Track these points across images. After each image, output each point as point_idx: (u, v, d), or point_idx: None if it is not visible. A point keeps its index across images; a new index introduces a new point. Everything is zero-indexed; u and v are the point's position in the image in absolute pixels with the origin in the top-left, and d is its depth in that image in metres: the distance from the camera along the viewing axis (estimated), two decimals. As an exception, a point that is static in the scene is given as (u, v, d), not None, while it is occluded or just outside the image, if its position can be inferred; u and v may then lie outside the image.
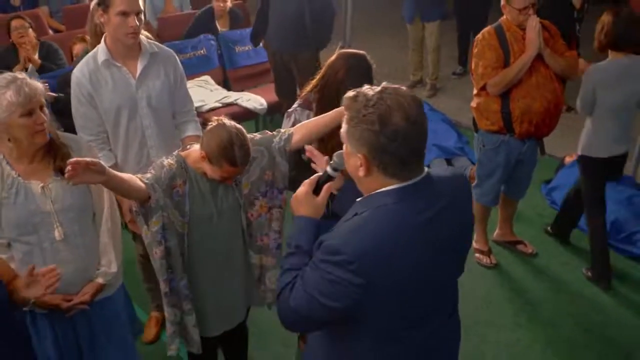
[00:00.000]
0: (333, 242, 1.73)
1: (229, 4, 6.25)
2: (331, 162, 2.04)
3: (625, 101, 3.88)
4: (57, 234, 2.49)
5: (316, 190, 2.01)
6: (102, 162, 2.26)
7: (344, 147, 1.85)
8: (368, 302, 1.74)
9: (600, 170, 4.07)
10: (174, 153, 2.62)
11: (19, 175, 2.44)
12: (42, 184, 2.45)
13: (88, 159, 2.16)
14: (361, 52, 2.95)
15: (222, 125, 2.43)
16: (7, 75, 2.37)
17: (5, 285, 2.22)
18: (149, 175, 2.47)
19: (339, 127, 2.74)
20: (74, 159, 2.14)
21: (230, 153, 2.39)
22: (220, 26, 6.36)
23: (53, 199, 2.46)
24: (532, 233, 4.76)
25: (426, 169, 1.83)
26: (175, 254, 2.59)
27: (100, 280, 2.63)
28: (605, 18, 3.82)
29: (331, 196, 2.13)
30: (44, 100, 2.40)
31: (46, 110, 2.42)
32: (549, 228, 4.75)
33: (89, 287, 2.60)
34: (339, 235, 1.75)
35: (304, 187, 2.02)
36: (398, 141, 1.69)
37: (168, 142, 3.24)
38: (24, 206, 2.43)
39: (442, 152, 5.62)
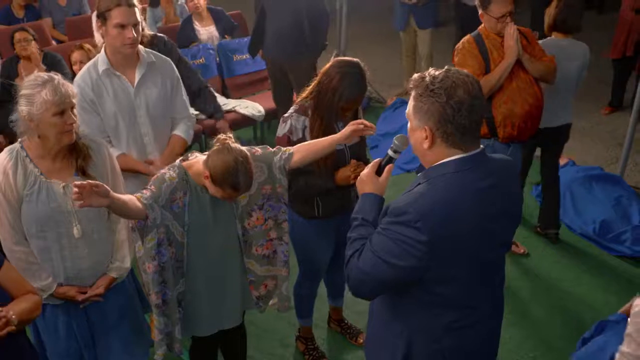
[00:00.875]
0: (399, 205, 1.91)
1: (202, 1, 6.16)
2: (392, 145, 2.17)
3: (561, 78, 4.03)
4: (76, 231, 2.54)
5: (378, 171, 2.17)
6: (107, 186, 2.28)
7: (409, 124, 2.01)
8: (429, 263, 1.89)
9: (534, 139, 4.21)
10: (175, 163, 2.61)
11: (41, 174, 2.48)
12: (63, 184, 2.49)
13: (92, 182, 2.18)
14: (355, 59, 2.96)
15: (230, 150, 2.42)
16: (44, 75, 2.43)
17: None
18: (148, 193, 2.47)
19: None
20: (79, 182, 2.15)
21: (235, 179, 2.39)
22: (203, 26, 6.24)
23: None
24: (524, 234, 4.76)
25: (482, 145, 1.99)
26: (170, 269, 2.60)
27: (113, 274, 2.69)
28: (553, 3, 4.27)
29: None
30: (74, 101, 2.45)
31: (75, 111, 2.47)
32: (538, 228, 4.77)
33: (103, 280, 2.66)
34: (405, 200, 1.93)
35: (369, 169, 2.18)
36: (462, 112, 1.87)
37: (165, 147, 3.28)
38: (45, 204, 2.47)
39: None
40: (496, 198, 1.97)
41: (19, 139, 2.53)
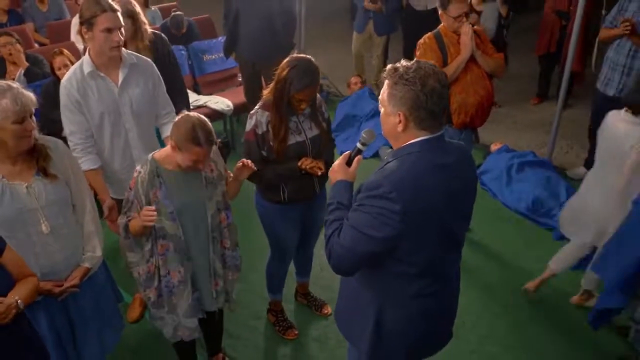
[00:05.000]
0: (373, 180, 1.91)
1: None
2: (360, 138, 2.16)
3: None
4: (44, 227, 2.38)
5: (348, 162, 2.17)
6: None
7: (382, 111, 2.00)
8: (403, 232, 1.88)
9: None
10: (148, 157, 2.56)
11: (2, 177, 2.31)
12: (26, 184, 2.33)
13: None
14: (307, 56, 2.93)
15: (186, 116, 2.47)
16: (3, 83, 2.25)
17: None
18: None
19: None
20: None
21: (195, 135, 2.41)
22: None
23: (37, 197, 2.35)
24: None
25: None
26: (177, 290, 2.66)
27: (87, 264, 2.56)
28: None
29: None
30: (33, 109, 2.29)
31: (33, 117, 2.31)
32: None
33: (77, 272, 2.52)
34: (378, 176, 1.92)
35: (340, 160, 2.17)
36: (434, 98, 1.87)
37: (149, 143, 3.19)
38: (10, 206, 2.31)
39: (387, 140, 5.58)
40: (455, 174, 1.98)
41: None
